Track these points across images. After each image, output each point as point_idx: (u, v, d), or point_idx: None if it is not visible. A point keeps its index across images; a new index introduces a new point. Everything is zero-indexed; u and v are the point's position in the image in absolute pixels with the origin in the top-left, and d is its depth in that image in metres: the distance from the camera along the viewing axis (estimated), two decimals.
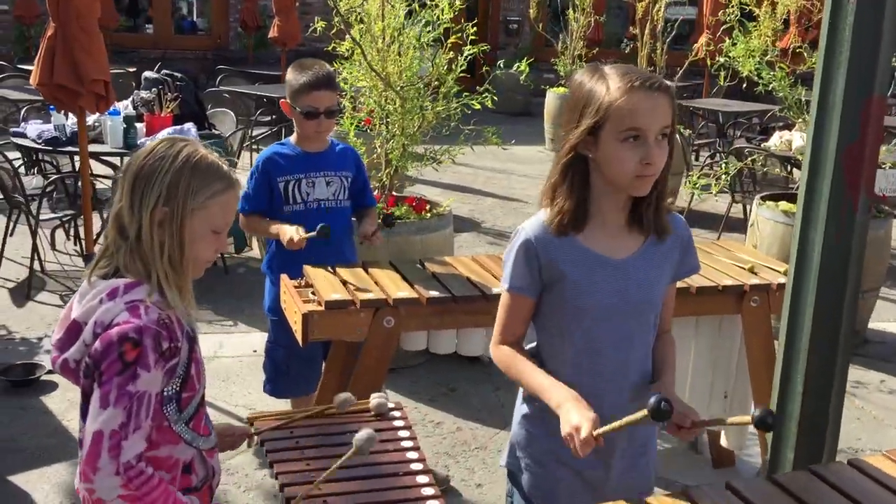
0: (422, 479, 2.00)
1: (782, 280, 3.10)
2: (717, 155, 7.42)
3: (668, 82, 1.79)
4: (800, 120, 5.18)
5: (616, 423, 1.63)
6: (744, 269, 3.19)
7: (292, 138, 3.20)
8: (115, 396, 1.54)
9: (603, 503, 1.81)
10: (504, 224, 7.52)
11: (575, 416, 1.67)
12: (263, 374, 3.42)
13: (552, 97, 10.67)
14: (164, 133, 5.22)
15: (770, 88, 5.15)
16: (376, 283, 2.87)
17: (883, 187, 4.95)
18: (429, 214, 4.43)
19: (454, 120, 4.40)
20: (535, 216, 1.87)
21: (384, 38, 4.28)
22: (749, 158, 5.69)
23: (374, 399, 2.32)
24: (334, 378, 3.04)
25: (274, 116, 9.41)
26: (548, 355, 1.91)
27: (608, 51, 12.21)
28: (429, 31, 4.20)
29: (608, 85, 1.72)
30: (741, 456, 3.64)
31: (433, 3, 4.28)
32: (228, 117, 6.94)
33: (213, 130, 6.26)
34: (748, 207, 6.68)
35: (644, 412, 1.57)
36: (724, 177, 4.96)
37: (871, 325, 5.14)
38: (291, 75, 3.05)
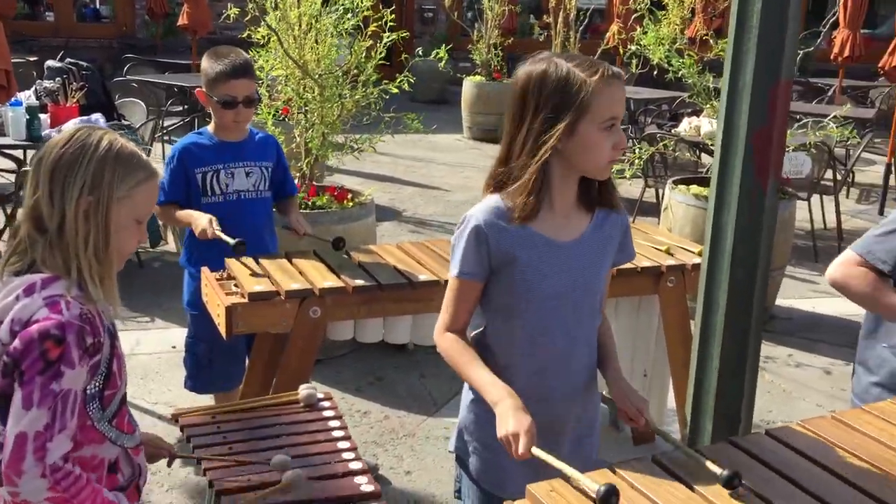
0: (355, 465, 2.00)
1: (697, 260, 3.20)
2: (630, 141, 7.60)
3: (620, 72, 1.84)
4: (708, 106, 5.35)
5: (554, 461, 1.65)
6: (660, 250, 3.28)
7: (209, 128, 3.14)
8: (38, 396, 1.49)
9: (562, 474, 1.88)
10: (425, 212, 7.54)
11: (511, 423, 1.70)
12: (184, 371, 3.35)
13: (469, 85, 10.72)
14: (72, 124, 5.04)
15: (679, 76, 5.30)
16: (301, 273, 2.85)
17: (787, 170, 5.17)
18: (350, 204, 4.40)
19: (374, 108, 4.38)
20: (484, 202, 1.88)
21: (300, 26, 4.23)
22: (660, 143, 5.84)
23: (303, 390, 2.32)
24: (260, 371, 3.00)
25: (186, 106, 9.19)
26: (495, 339, 1.93)
27: (522, 40, 12.35)
28: (348, 19, 4.16)
29: (584, 77, 1.73)
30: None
31: None
32: (138, 107, 6.74)
33: (123, 121, 6.07)
34: (660, 191, 6.89)
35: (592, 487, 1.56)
36: (637, 162, 5.08)
37: (778, 301, 5.37)
38: (207, 64, 2.99)
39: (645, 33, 5.33)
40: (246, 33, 4.45)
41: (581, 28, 7.89)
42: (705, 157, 7.51)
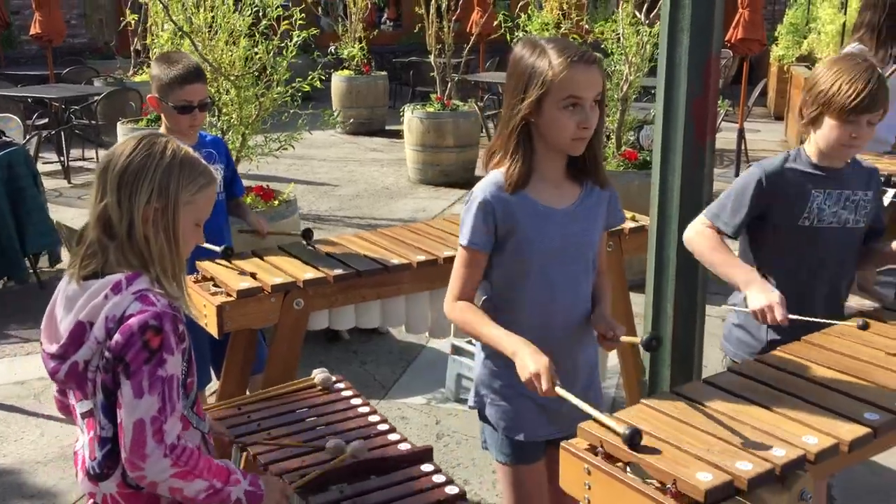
0: (393, 436, 2.14)
1: (633, 225, 3.49)
2: None
3: (597, 55, 2.04)
4: None
5: (577, 401, 1.84)
6: None
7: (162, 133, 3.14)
8: (147, 384, 1.58)
9: (560, 429, 2.12)
10: (321, 208, 7.59)
11: (531, 363, 1.88)
12: None
13: (338, 80, 10.77)
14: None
15: None
16: (278, 268, 2.92)
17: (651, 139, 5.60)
18: (276, 202, 4.46)
19: (292, 106, 4.45)
20: (486, 178, 2.06)
21: (212, 27, 4.24)
22: None
23: (318, 375, 2.43)
24: (237, 367, 3.06)
25: (48, 120, 8.78)
26: (503, 303, 2.11)
27: (392, 32, 12.50)
28: (263, 19, 4.22)
29: (550, 60, 1.93)
30: (610, 391, 4.07)
31: None
32: (13, 122, 6.43)
33: (4, 137, 5.80)
34: None
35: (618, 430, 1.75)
36: None
37: None
38: (159, 70, 2.99)
39: (529, 19, 5.62)
40: (150, 38, 4.42)
41: (454, 18, 8.13)
42: None
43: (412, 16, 17.02)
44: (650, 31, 5.13)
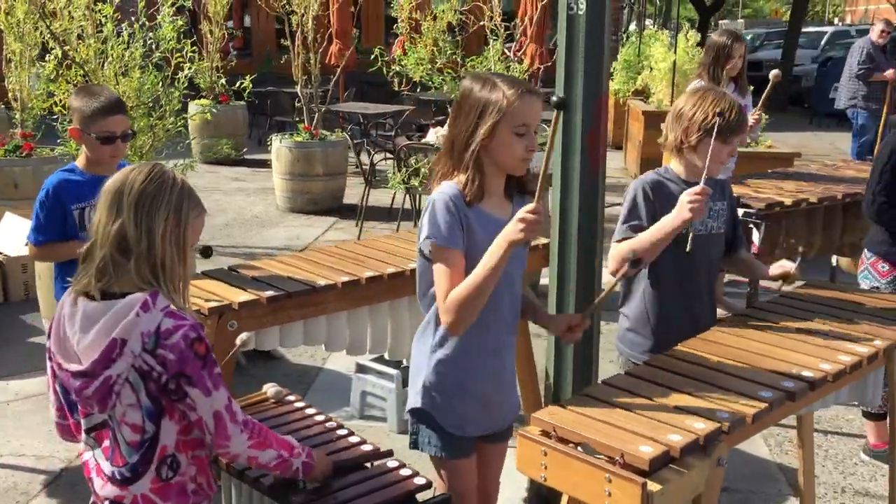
0: (353, 438, 2.34)
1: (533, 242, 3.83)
2: (383, 153, 8.20)
3: (537, 89, 2.35)
4: None
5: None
6: None
7: (79, 163, 3.18)
8: (211, 383, 1.81)
9: (493, 425, 2.40)
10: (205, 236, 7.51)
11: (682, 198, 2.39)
12: (38, 417, 3.31)
13: (194, 109, 10.66)
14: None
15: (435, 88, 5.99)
16: (207, 291, 3.04)
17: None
18: None
19: (187, 137, 4.51)
20: (443, 189, 2.26)
21: (108, 58, 4.26)
22: (418, 155, 6.48)
23: (270, 389, 2.58)
24: None
25: None
26: None
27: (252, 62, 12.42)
28: (157, 51, 4.28)
29: (503, 91, 2.20)
30: None
31: (154, 23, 4.36)
32: None
33: None
34: (416, 198, 7.54)
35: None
36: (423, 171, 5.66)
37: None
38: (80, 102, 3.04)
39: (405, 54, 5.94)
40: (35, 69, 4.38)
41: (320, 50, 8.33)
42: None
43: (261, 45, 17.07)
44: (520, 68, 5.55)
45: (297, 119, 11.47)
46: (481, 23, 5.80)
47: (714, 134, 2.70)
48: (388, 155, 8.62)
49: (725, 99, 2.75)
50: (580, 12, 3.05)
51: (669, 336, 2.75)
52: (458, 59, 6.17)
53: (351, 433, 2.36)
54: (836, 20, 43.00)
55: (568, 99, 3.21)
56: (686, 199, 2.56)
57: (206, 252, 3.31)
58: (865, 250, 3.77)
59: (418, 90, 6.34)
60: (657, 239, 2.69)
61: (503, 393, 2.45)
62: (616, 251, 2.77)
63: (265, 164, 10.08)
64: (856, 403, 3.82)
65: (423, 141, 7.54)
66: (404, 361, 3.91)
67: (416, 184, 5.90)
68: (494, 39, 5.78)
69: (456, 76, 5.88)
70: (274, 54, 15.98)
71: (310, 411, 2.49)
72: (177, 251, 1.84)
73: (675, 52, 9.88)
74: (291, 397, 2.58)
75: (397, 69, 5.96)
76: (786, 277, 2.88)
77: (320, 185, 8.41)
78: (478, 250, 2.23)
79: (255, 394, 2.59)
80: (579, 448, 2.01)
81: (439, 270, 2.23)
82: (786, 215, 4.55)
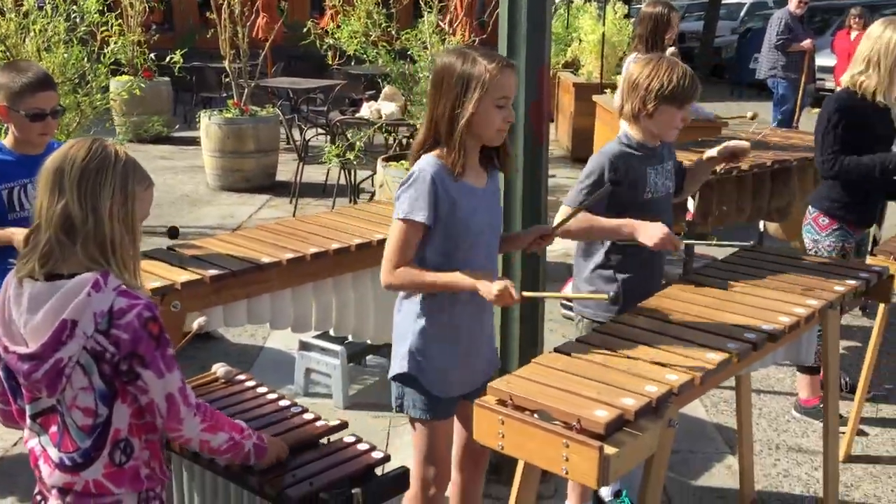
0: (308, 416, 2.32)
1: None
2: (316, 128, 8.09)
3: (512, 62, 2.44)
4: (400, 86, 5.99)
5: (546, 294, 2.33)
6: None
7: (6, 142, 3.05)
8: (164, 365, 1.77)
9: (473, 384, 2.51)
10: None
11: (494, 286, 2.24)
12: None
13: (118, 86, 10.31)
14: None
15: (370, 61, 5.93)
16: (147, 272, 2.96)
17: None
18: None
19: (119, 113, 4.37)
20: (426, 161, 2.34)
21: (30, 33, 4.09)
22: (355, 130, 6.42)
23: (220, 368, 2.55)
24: None
25: None
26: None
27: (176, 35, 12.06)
28: (81, 25, 4.13)
29: (485, 65, 2.26)
30: None
31: None
32: None
33: None
34: (352, 173, 7.48)
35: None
36: (358, 145, 5.61)
37: None
38: (6, 78, 2.91)
39: (339, 27, 5.86)
40: None
41: (248, 24, 8.15)
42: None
43: (183, 19, 16.60)
44: (455, 40, 5.54)
45: (225, 95, 11.24)
46: None
47: (669, 101, 2.78)
48: (321, 130, 8.52)
49: (679, 66, 2.82)
50: None
51: (633, 294, 2.84)
52: (393, 33, 6.11)
53: (305, 410, 2.35)
54: None
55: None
56: (659, 236, 2.64)
57: (173, 232, 3.23)
58: (809, 206, 3.96)
59: (353, 63, 6.27)
60: (609, 237, 2.80)
61: (484, 351, 2.58)
62: (566, 215, 2.79)
63: (193, 141, 9.86)
64: (788, 363, 3.98)
65: (358, 115, 7.47)
66: (349, 337, 3.89)
67: (352, 158, 5.85)
68: (428, 11, 5.74)
69: (390, 49, 5.83)
70: (197, 28, 15.60)
71: (261, 390, 2.47)
72: (125, 228, 1.79)
73: (603, 24, 9.98)
74: (242, 377, 2.55)
75: (330, 42, 5.88)
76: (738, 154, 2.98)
77: (252, 162, 8.26)
78: (460, 222, 2.35)
79: (204, 374, 2.55)
80: (536, 415, 2.04)
81: (396, 239, 2.34)
82: (717, 183, 4.67)
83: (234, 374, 2.53)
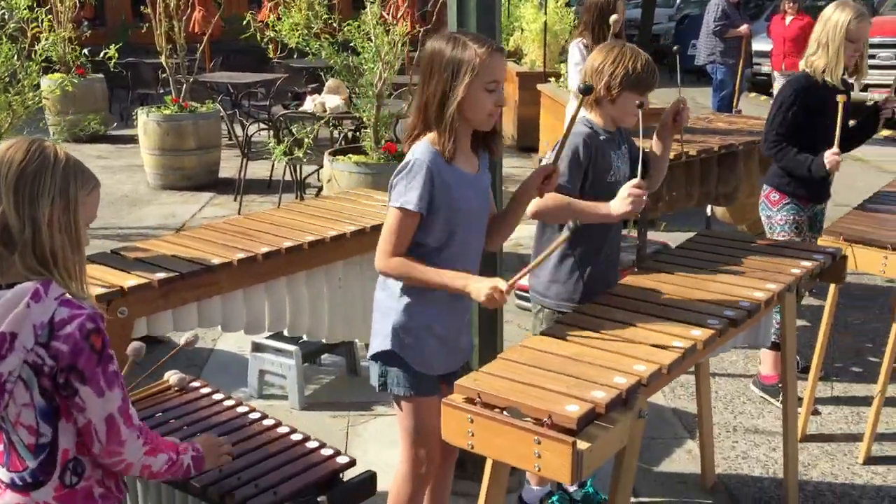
0: (268, 422, 2.25)
1: None
2: (258, 124, 7.93)
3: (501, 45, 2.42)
4: (344, 79, 5.87)
5: (524, 270, 2.28)
6: None
7: None
8: (105, 382, 1.65)
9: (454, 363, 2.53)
10: None
11: (485, 285, 2.25)
12: None
13: (49, 84, 9.96)
14: None
15: (313, 54, 5.82)
16: (90, 277, 2.83)
17: None
18: None
19: (53, 112, 4.20)
20: (421, 147, 2.31)
21: None
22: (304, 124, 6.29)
23: (173, 376, 2.45)
24: None
25: None
26: (430, 261, 2.35)
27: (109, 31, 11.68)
28: (10, 22, 3.95)
29: (474, 49, 2.25)
30: None
31: None
32: None
33: None
34: (298, 168, 7.34)
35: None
36: (307, 142, 5.49)
37: None
38: None
39: (279, 19, 5.73)
40: None
41: (184, 18, 7.94)
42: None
43: (115, 14, 16.15)
44: (398, 31, 5.46)
45: (162, 91, 10.95)
46: None
47: (633, 87, 2.78)
48: (264, 125, 8.36)
49: (641, 54, 2.82)
50: None
51: (594, 281, 2.84)
52: (335, 24, 6.00)
53: (265, 416, 2.27)
54: None
55: None
56: (626, 193, 2.61)
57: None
58: (764, 185, 4.01)
59: (295, 56, 6.15)
60: (587, 216, 2.74)
61: (463, 333, 2.57)
62: (548, 198, 2.70)
63: (130, 139, 9.58)
64: (746, 346, 4.02)
65: (301, 109, 7.34)
66: (304, 336, 3.80)
67: (301, 154, 5.73)
68: (371, 2, 5.64)
69: (333, 41, 5.72)
70: (130, 23, 15.20)
71: (217, 397, 2.38)
72: (68, 236, 1.68)
73: (545, 13, 9.98)
74: (196, 383, 2.46)
75: (271, 36, 5.74)
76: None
77: (193, 159, 8.06)
78: (452, 207, 2.32)
79: (156, 383, 2.45)
80: (505, 412, 1.99)
81: (391, 227, 2.32)
82: (669, 169, 4.68)
83: (187, 381, 2.44)
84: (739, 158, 5.13)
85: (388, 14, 5.57)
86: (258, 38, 5.87)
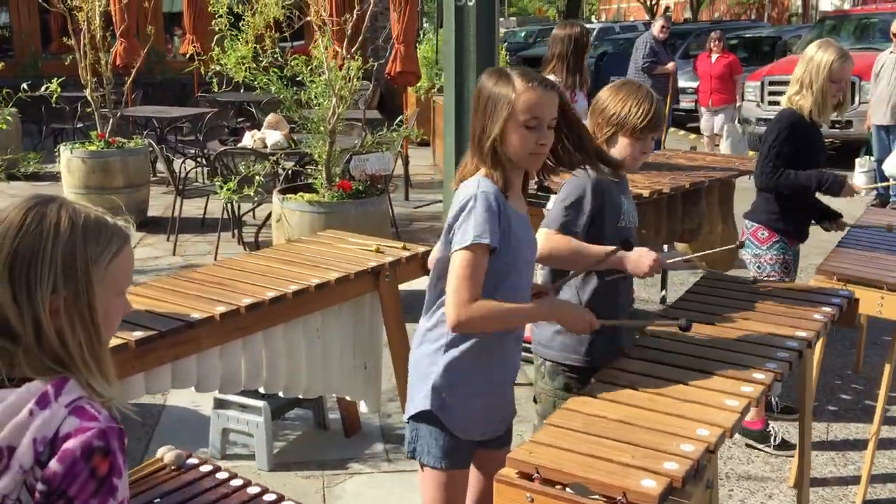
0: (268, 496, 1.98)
1: (407, 254, 3.56)
2: (194, 160, 7.57)
3: (553, 82, 2.26)
4: (294, 113, 5.59)
5: (619, 322, 2.31)
6: (371, 250, 3.58)
7: None
8: None
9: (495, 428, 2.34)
10: None
11: (574, 316, 2.26)
12: None
13: None
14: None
15: (262, 88, 5.55)
16: None
17: (375, 168, 5.79)
18: None
19: None
20: (478, 181, 2.16)
21: None
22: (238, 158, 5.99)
23: (167, 453, 2.15)
24: None
25: None
26: None
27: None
28: None
29: (514, 85, 2.13)
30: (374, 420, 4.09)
31: None
32: None
33: None
34: (237, 206, 7.01)
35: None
36: (258, 179, 5.19)
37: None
38: None
39: (224, 53, 5.45)
40: None
41: (112, 50, 7.53)
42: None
43: (25, 46, 15.37)
44: (354, 66, 5.25)
45: (80, 125, 10.41)
46: (308, 18, 5.42)
47: (624, 129, 2.63)
48: (200, 161, 8.00)
49: (642, 95, 2.66)
50: (470, 3, 2.86)
51: (603, 334, 2.63)
52: (285, 58, 5.73)
53: (281, 498, 2.00)
54: (592, 18, 45.96)
55: (461, 97, 3.01)
56: (648, 263, 2.55)
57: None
58: (746, 221, 3.96)
59: (242, 90, 5.86)
60: (594, 261, 2.60)
61: (506, 394, 2.36)
62: (553, 240, 2.60)
63: (51, 177, 9.04)
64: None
65: (241, 145, 7.02)
66: (280, 393, 3.51)
67: (251, 193, 5.41)
68: (322, 36, 5.42)
69: (282, 76, 5.46)
70: (40, 55, 14.52)
71: (221, 476, 2.09)
72: (82, 327, 1.35)
73: None
74: (194, 460, 2.16)
75: (216, 69, 5.45)
76: None
77: (122, 197, 7.58)
78: (511, 246, 2.17)
79: (148, 461, 2.14)
80: (569, 489, 1.79)
81: (463, 270, 2.09)
82: (638, 207, 4.59)
83: (184, 457, 2.14)
84: (703, 194, 5.10)
85: (339, 47, 5.36)
86: (202, 72, 5.55)
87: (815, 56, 3.65)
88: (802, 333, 2.56)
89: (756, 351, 2.42)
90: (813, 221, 3.98)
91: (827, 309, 2.78)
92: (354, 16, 5.40)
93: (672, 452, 1.86)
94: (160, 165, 9.16)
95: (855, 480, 3.69)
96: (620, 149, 2.64)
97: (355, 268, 3.33)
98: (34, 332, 1.32)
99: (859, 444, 3.98)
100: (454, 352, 2.22)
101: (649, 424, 1.99)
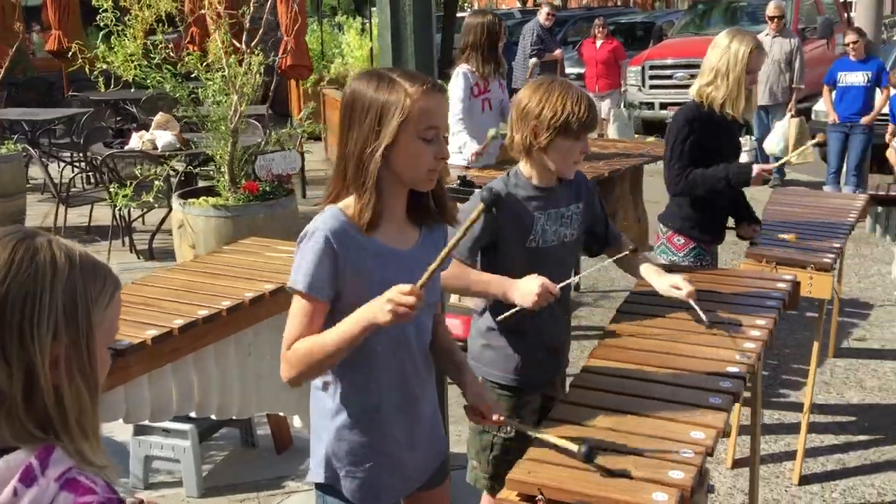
0: None
1: None
2: (77, 166, 7.07)
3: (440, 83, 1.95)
4: (192, 113, 5.27)
5: (531, 430, 1.91)
6: None
7: None
8: None
9: (413, 483, 2.04)
10: None
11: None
12: None
13: None
14: None
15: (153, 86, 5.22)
16: None
17: (283, 168, 5.55)
18: None
19: None
20: (326, 214, 1.84)
21: None
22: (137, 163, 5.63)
23: (128, 499, 1.91)
24: None
25: None
26: (352, 357, 1.86)
27: None
28: None
29: (405, 89, 1.79)
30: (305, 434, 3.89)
31: None
32: None
33: None
34: (128, 213, 6.59)
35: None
36: (157, 184, 4.85)
37: None
38: None
39: (111, 50, 5.09)
40: None
41: (36, 50, 6.92)
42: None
43: None
44: (255, 60, 5.00)
45: None
46: (202, 11, 5.12)
47: (565, 132, 2.36)
48: (76, 165, 7.49)
49: (573, 92, 2.40)
50: None
51: (533, 350, 2.51)
52: (178, 54, 5.39)
53: None
54: (465, 6, 46.29)
55: None
56: (535, 292, 2.25)
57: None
58: (661, 225, 3.76)
59: (123, 88, 5.49)
60: (480, 292, 2.44)
61: (421, 446, 2.05)
62: (449, 272, 2.29)
63: None
64: None
65: (128, 147, 6.60)
66: (213, 417, 3.27)
67: (150, 198, 5.07)
68: (215, 29, 5.13)
69: (175, 73, 5.13)
70: None
71: None
72: (83, 379, 1.15)
73: (371, 39, 9.75)
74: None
75: (102, 67, 5.06)
76: None
77: None
78: (370, 290, 1.78)
79: None
80: None
81: (294, 314, 1.84)
82: None
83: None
84: (616, 182, 5.13)
85: (238, 42, 5.09)
86: (87, 70, 5.16)
87: (732, 45, 3.50)
88: (761, 321, 2.56)
89: (721, 354, 2.39)
90: (732, 224, 3.79)
91: (778, 295, 2.80)
92: (251, 7, 5.14)
93: (672, 459, 1.79)
94: (33, 171, 8.56)
95: (788, 457, 3.78)
96: (562, 152, 2.40)
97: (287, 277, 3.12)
98: (24, 390, 1.11)
99: (786, 421, 4.08)
100: (344, 415, 1.94)
101: (641, 430, 1.92)
